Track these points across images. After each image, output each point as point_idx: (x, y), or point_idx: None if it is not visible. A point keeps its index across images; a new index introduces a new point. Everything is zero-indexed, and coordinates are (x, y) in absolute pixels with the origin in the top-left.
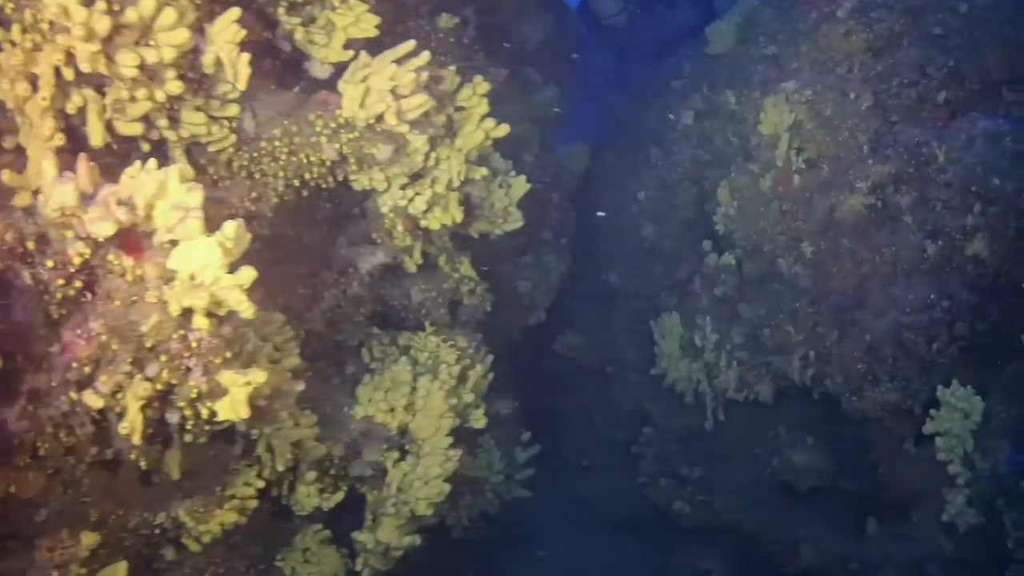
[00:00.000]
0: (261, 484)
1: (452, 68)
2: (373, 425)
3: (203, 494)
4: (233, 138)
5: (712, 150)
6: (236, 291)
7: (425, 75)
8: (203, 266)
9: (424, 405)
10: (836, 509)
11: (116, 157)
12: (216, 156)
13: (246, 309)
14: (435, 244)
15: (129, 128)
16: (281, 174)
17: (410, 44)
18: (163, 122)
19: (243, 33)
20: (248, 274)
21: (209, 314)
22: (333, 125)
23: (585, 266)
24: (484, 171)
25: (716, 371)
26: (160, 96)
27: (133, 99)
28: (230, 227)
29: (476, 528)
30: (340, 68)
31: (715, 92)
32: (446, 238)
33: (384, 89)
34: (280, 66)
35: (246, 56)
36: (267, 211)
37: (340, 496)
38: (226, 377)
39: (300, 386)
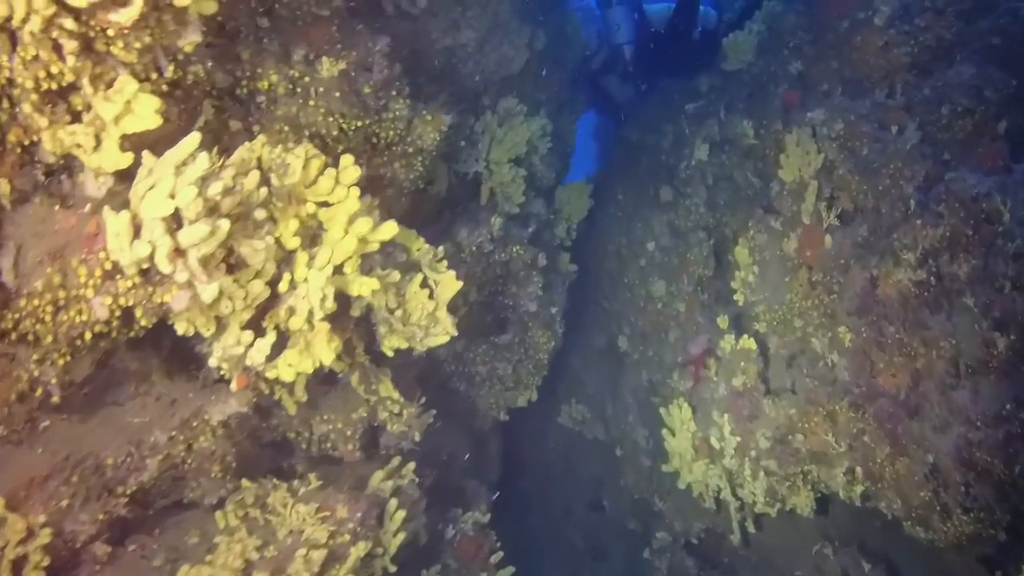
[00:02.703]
0: None
1: (301, 149)
2: None
3: None
4: None
5: (730, 190)
6: None
7: (228, 179)
8: None
9: None
10: None
11: None
12: None
13: None
14: (343, 360)
15: None
16: (50, 339)
17: (193, 139)
18: None
19: None
20: None
21: None
22: (99, 273)
23: (594, 322)
24: (374, 283)
25: (740, 478)
26: None
27: None
28: None
29: None
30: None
31: (733, 118)
32: (360, 350)
33: (157, 216)
34: (53, 182)
35: None
36: (52, 375)
37: None
38: None
39: None
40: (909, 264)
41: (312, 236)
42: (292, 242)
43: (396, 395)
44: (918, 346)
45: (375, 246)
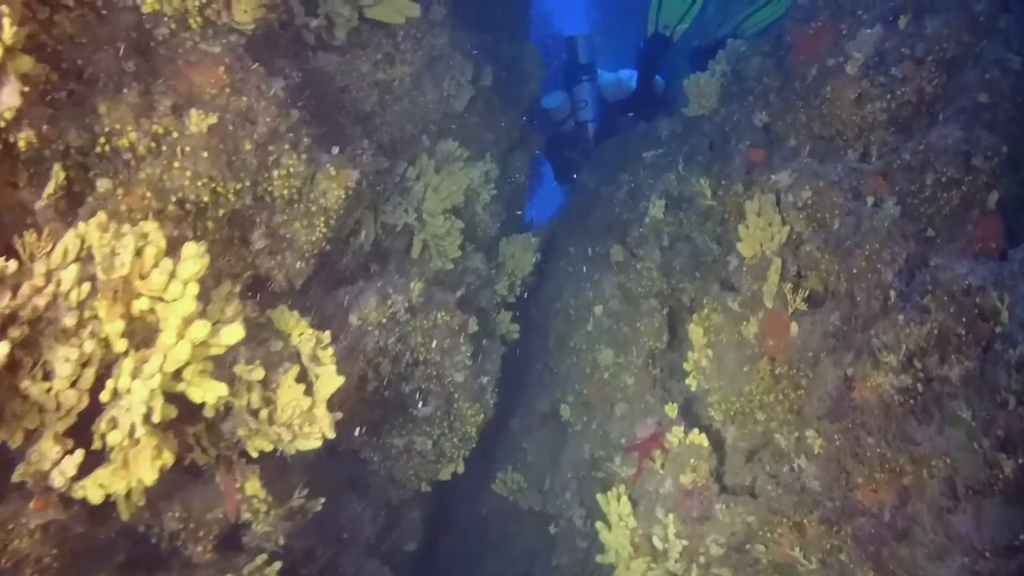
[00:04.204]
0: None
1: (130, 237)
2: None
3: None
4: None
5: (688, 252)
6: None
7: (39, 278)
8: None
9: None
10: None
11: None
12: None
13: None
14: (206, 452)
15: None
16: None
17: None
18: None
19: None
20: None
21: None
22: None
23: (539, 383)
24: (221, 388)
25: None
26: None
27: None
28: None
29: None
30: None
31: (691, 173)
32: (226, 444)
33: None
34: None
35: None
36: None
37: None
38: None
39: None
40: (891, 367)
41: (150, 333)
42: (119, 344)
43: (263, 494)
44: (905, 462)
45: (220, 350)
